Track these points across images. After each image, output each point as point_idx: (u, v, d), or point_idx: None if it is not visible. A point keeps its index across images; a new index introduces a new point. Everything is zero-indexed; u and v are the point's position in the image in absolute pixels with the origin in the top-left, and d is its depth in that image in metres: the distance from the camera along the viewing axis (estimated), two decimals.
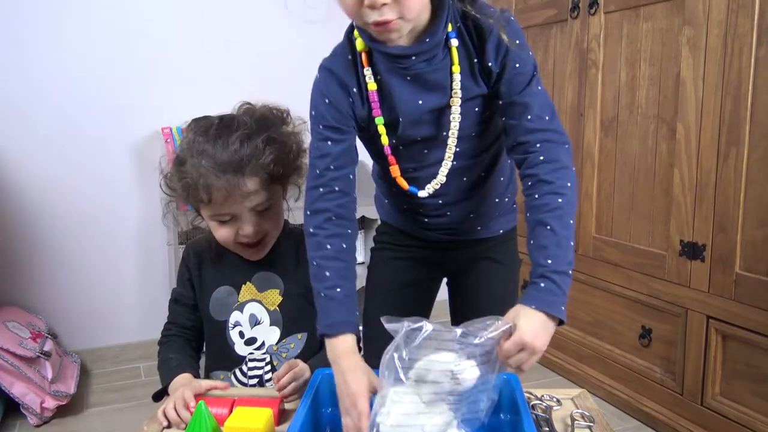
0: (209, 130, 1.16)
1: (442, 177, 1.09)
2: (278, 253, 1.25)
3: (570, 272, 0.95)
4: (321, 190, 1.05)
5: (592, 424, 0.98)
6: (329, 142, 1.05)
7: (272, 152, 1.14)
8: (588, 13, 2.18)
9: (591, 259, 2.25)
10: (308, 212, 1.06)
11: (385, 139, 1.07)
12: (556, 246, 0.95)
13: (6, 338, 2.02)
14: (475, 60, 1.03)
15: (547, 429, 0.96)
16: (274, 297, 1.23)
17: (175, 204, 1.25)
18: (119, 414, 2.12)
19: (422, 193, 1.10)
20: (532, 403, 1.04)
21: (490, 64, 1.02)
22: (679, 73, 1.86)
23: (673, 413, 1.96)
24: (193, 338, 1.25)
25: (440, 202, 1.15)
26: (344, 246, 1.03)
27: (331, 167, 1.05)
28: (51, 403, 2.03)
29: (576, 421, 0.99)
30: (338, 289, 1.00)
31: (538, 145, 1.00)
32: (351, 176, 1.07)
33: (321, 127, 1.06)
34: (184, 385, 1.08)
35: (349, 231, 1.05)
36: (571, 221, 0.99)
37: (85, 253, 2.55)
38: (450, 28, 1.02)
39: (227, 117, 1.19)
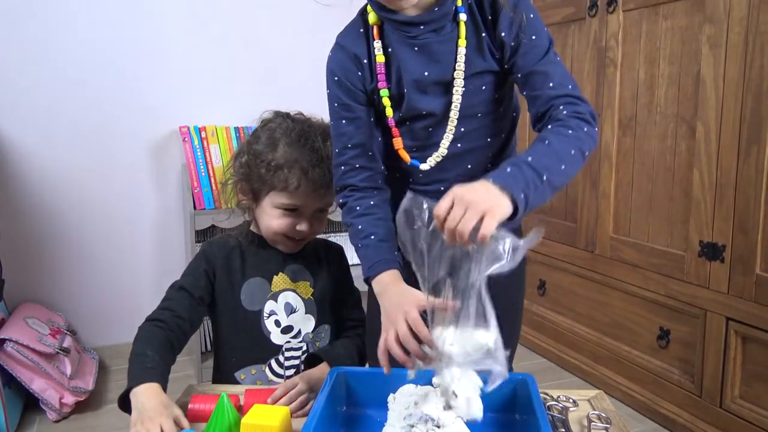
0: (306, 124, 1.22)
1: (443, 150, 1.08)
2: (307, 251, 1.29)
3: (544, 177, 0.89)
4: (343, 168, 1.11)
5: (608, 425, 0.97)
6: (344, 121, 1.10)
7: None
8: (606, 11, 2.17)
9: (608, 260, 2.23)
10: (336, 188, 1.12)
11: (389, 111, 1.09)
12: (543, 153, 0.92)
13: (26, 334, 2.05)
14: (484, 34, 1.04)
15: (563, 430, 0.96)
16: (306, 288, 1.26)
17: (236, 186, 1.25)
18: None
19: (424, 166, 1.10)
20: (548, 404, 1.03)
21: (503, 34, 1.02)
22: (699, 72, 1.84)
23: (692, 415, 1.94)
24: (180, 334, 1.13)
25: (441, 188, 1.13)
26: (372, 203, 1.09)
27: (349, 145, 1.10)
28: (70, 399, 2.06)
29: (592, 423, 0.98)
30: (372, 237, 1.05)
31: (561, 107, 0.99)
32: (371, 152, 1.11)
33: (335, 105, 1.10)
34: (161, 409, 0.95)
35: (375, 192, 1.10)
36: (573, 152, 0.94)
37: (103, 250, 2.58)
38: (460, 2, 1.04)
39: (312, 119, 1.26)
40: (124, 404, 1.00)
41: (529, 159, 0.90)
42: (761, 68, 1.66)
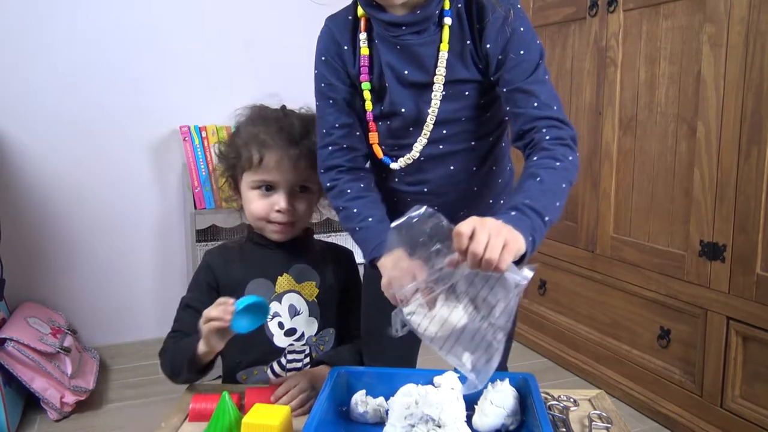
0: (269, 108, 1.24)
1: (415, 152, 1.08)
2: (316, 251, 1.28)
3: (546, 219, 0.90)
4: (330, 148, 1.09)
5: (609, 425, 0.97)
6: (330, 101, 1.09)
7: None
8: (607, 10, 2.17)
9: (609, 259, 2.23)
10: (321, 170, 1.11)
11: (369, 105, 1.09)
12: (540, 192, 0.92)
13: (26, 334, 2.05)
14: (468, 42, 1.03)
15: (564, 430, 0.96)
16: (311, 289, 1.24)
17: (220, 179, 1.29)
18: (137, 410, 2.14)
19: (394, 165, 1.10)
20: (549, 403, 1.03)
21: (488, 46, 1.01)
22: (700, 71, 1.84)
23: (692, 415, 1.94)
24: None
25: (424, 190, 1.13)
26: (362, 186, 1.08)
27: (336, 125, 1.09)
28: (70, 398, 2.06)
29: (593, 422, 0.98)
30: (370, 219, 1.04)
31: (544, 130, 0.99)
32: (358, 133, 1.10)
33: (322, 85, 1.10)
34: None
35: (362, 175, 1.10)
36: (564, 185, 0.95)
37: (104, 249, 2.57)
38: (447, 6, 1.03)
39: (286, 107, 1.28)
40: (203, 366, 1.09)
41: (528, 201, 0.90)
42: (762, 68, 1.66)
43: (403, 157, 1.09)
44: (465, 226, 0.80)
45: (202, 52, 2.62)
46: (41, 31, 2.39)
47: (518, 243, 0.82)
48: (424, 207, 0.87)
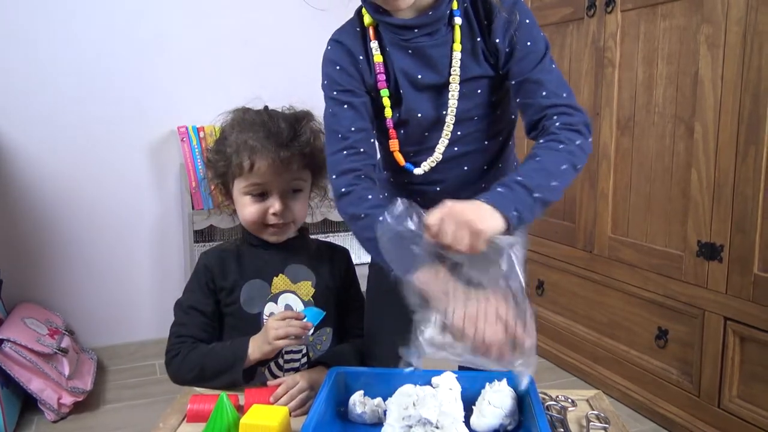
0: (253, 110, 1.22)
1: (438, 155, 1.08)
2: (312, 251, 1.27)
3: (535, 195, 0.92)
4: (345, 152, 1.06)
5: (607, 425, 0.98)
6: (345, 106, 1.08)
7: (312, 136, 1.19)
8: (605, 11, 2.17)
9: (607, 260, 2.24)
10: (334, 175, 1.07)
11: (388, 112, 1.09)
12: (534, 170, 0.94)
13: (24, 335, 2.04)
14: (479, 39, 1.04)
15: (562, 430, 0.96)
16: (307, 288, 1.24)
17: (210, 185, 1.27)
18: (135, 411, 2.14)
19: (418, 171, 1.10)
20: (546, 404, 1.03)
21: (497, 40, 1.02)
22: (697, 72, 1.84)
23: (690, 415, 1.94)
24: None
25: (437, 189, 1.14)
26: (380, 196, 1.05)
27: (353, 128, 1.07)
28: (68, 400, 2.05)
29: (591, 423, 0.98)
30: None
31: (554, 117, 1.01)
32: (372, 140, 1.09)
33: (335, 93, 1.09)
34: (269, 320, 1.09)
35: (376, 186, 1.07)
36: (564, 167, 0.96)
37: (102, 250, 2.57)
38: (456, 6, 1.04)
39: (269, 108, 1.26)
40: (249, 374, 1.11)
41: (519, 178, 0.93)
42: (759, 68, 1.66)
43: (424, 161, 1.09)
44: (432, 218, 0.86)
45: (201, 52, 2.62)
46: (40, 33, 2.39)
47: (486, 226, 0.86)
48: (399, 200, 0.90)
